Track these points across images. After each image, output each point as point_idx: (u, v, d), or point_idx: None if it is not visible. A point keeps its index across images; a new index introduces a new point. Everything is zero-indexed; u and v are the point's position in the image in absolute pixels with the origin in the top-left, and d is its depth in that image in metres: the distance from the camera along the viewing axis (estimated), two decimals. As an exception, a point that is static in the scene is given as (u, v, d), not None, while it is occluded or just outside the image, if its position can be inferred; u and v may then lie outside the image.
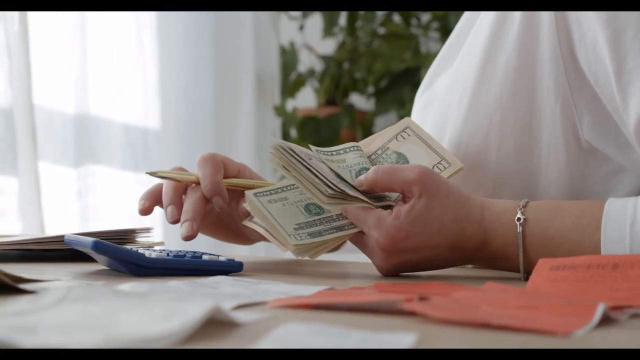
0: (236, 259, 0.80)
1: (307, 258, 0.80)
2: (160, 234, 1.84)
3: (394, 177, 0.79)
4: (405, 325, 0.50)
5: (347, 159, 0.85)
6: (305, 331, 0.45)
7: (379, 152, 0.88)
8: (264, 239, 0.94)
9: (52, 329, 0.41)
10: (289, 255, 0.84)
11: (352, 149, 0.87)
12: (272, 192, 0.83)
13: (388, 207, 0.81)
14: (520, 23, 0.87)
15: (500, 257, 0.81)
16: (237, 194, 0.90)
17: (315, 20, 2.50)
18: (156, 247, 0.91)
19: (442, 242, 0.79)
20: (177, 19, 2.07)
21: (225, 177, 0.88)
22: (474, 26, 0.94)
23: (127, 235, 0.94)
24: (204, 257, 0.80)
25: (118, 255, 0.77)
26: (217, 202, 0.87)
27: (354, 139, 2.42)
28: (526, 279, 0.79)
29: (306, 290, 0.65)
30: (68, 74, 1.71)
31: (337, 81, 2.41)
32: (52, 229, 1.58)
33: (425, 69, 2.25)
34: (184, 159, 2.08)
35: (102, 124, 1.81)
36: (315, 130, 2.29)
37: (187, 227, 0.84)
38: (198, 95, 2.13)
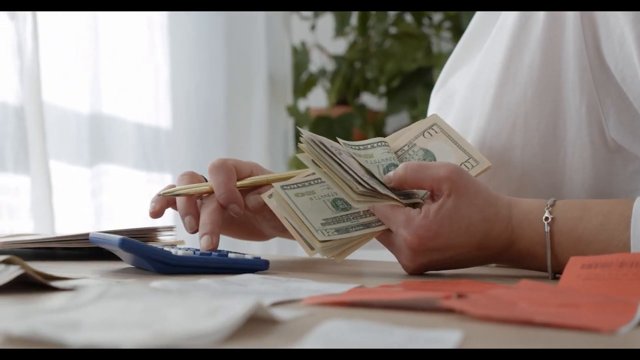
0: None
1: (331, 258, 0.80)
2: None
3: (423, 174, 0.78)
4: (446, 322, 0.50)
5: (375, 154, 0.85)
6: (348, 328, 0.44)
7: (406, 148, 0.87)
8: (281, 233, 0.94)
9: (96, 326, 0.41)
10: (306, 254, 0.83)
11: (379, 144, 0.86)
12: (299, 185, 0.82)
13: (415, 204, 0.80)
14: (544, 21, 0.86)
15: (527, 256, 0.80)
16: (250, 192, 0.89)
17: (327, 20, 2.49)
18: (179, 246, 0.91)
19: (470, 242, 0.79)
20: (189, 19, 2.07)
21: (238, 180, 0.88)
22: (496, 25, 0.94)
23: (149, 234, 0.94)
24: (230, 255, 0.79)
25: (145, 253, 0.76)
26: (234, 209, 0.86)
27: (365, 139, 2.41)
28: (553, 277, 0.79)
29: (336, 288, 0.65)
30: (81, 73, 1.71)
31: (348, 81, 2.40)
32: (63, 229, 1.58)
33: (438, 69, 2.25)
34: (195, 158, 2.07)
35: (115, 124, 1.81)
36: (328, 130, 2.29)
37: (207, 241, 0.84)
38: (210, 95, 2.13)
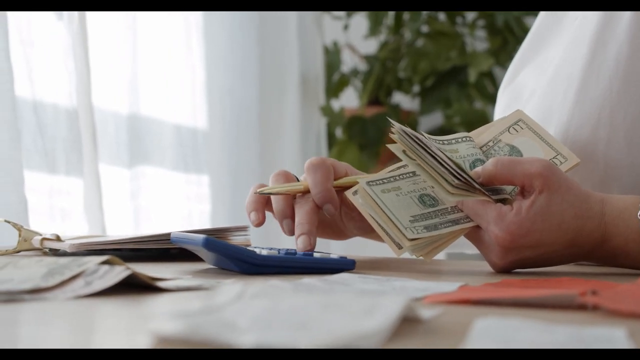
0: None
1: (420, 257, 0.78)
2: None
3: (514, 170, 0.76)
4: (589, 319, 0.48)
5: (460, 150, 0.83)
6: (506, 327, 0.42)
7: (491, 144, 0.85)
8: (364, 234, 0.92)
9: (255, 326, 0.39)
10: (392, 254, 0.81)
11: (464, 139, 0.84)
12: (384, 181, 0.80)
13: (503, 200, 0.78)
14: (632, 13, 0.84)
15: (620, 254, 0.78)
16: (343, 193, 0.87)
17: (358, 19, 2.48)
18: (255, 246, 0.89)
19: (562, 239, 0.77)
20: (222, 19, 2.05)
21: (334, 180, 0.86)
22: (578, 18, 0.92)
23: (221, 234, 0.92)
24: (315, 254, 0.78)
25: (229, 253, 0.75)
26: (329, 210, 0.84)
27: (398, 139, 2.39)
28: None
29: (443, 286, 0.63)
30: (122, 75, 1.70)
31: (380, 80, 2.38)
32: (111, 231, 1.56)
33: (472, 68, 2.23)
34: (230, 159, 2.06)
35: (154, 125, 1.79)
36: (362, 130, 2.27)
37: (304, 241, 0.82)
38: (244, 96, 2.11)
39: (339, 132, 2.37)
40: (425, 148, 0.76)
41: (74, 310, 0.51)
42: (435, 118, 2.42)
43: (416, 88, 2.41)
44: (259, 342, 0.36)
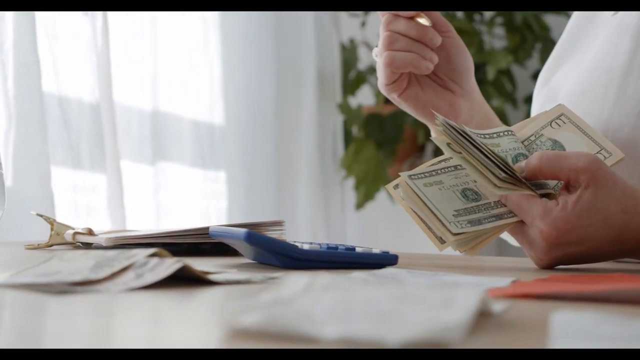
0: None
1: (463, 252, 0.77)
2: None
3: (560, 164, 0.75)
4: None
5: (502, 144, 0.82)
6: (585, 321, 0.41)
7: (532, 138, 0.84)
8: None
9: (334, 318, 0.38)
10: (433, 250, 0.80)
11: (506, 133, 0.83)
12: (426, 174, 0.79)
13: (546, 195, 0.77)
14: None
15: (668, 250, 0.77)
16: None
17: (375, 16, 2.46)
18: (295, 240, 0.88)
19: (607, 235, 0.76)
20: (239, 17, 2.04)
21: None
22: (617, 17, 0.91)
23: (256, 228, 0.91)
24: (357, 249, 0.77)
25: (271, 247, 0.74)
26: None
27: (415, 136, 2.39)
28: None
29: (496, 281, 0.62)
30: (143, 71, 1.69)
31: (397, 78, 2.37)
32: (133, 227, 1.56)
33: (490, 65, 2.21)
34: (246, 156, 2.05)
35: (174, 121, 1.79)
36: (380, 128, 2.26)
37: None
38: (260, 93, 2.10)
39: (354, 130, 2.36)
40: (471, 141, 0.75)
41: (132, 303, 0.50)
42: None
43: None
44: (343, 335, 0.35)
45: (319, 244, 0.78)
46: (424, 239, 1.21)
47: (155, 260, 0.59)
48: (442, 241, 0.77)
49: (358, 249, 0.77)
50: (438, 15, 0.90)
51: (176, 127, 1.79)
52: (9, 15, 1.24)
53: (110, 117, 1.46)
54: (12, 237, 1.21)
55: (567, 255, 0.77)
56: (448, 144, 0.77)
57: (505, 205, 0.77)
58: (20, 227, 1.22)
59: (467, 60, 0.94)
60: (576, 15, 1.06)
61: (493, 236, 0.77)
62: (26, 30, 1.25)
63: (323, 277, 0.45)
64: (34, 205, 1.22)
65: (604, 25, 0.97)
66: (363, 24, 2.40)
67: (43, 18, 1.33)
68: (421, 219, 0.78)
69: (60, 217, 1.31)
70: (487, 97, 2.23)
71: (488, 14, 2.37)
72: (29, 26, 1.25)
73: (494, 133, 0.83)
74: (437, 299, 0.41)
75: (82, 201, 1.37)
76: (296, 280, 0.45)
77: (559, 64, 1.04)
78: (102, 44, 1.46)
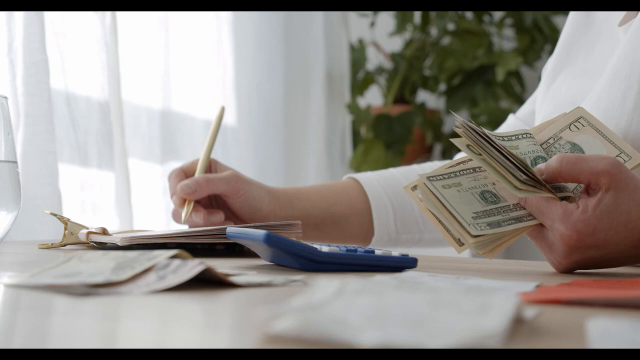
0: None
1: (482, 255, 0.76)
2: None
3: (580, 167, 0.75)
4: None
5: (520, 146, 0.81)
6: (622, 328, 0.41)
7: (551, 141, 0.83)
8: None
9: (368, 324, 0.38)
10: (451, 252, 0.80)
11: (524, 135, 0.82)
12: (445, 176, 0.78)
13: (566, 198, 0.76)
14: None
15: (689, 254, 0.76)
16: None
17: (384, 17, 2.46)
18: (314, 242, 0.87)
19: (628, 239, 0.75)
20: (250, 17, 2.04)
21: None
22: (632, 25, 0.90)
23: (273, 230, 0.91)
24: (377, 252, 0.76)
25: (290, 249, 0.73)
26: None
27: (423, 137, 2.38)
28: None
29: (520, 286, 0.61)
30: (153, 70, 1.68)
31: (405, 79, 2.36)
32: (140, 226, 1.55)
33: (500, 67, 2.20)
34: (256, 156, 2.04)
35: (185, 121, 1.78)
36: (388, 129, 2.25)
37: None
38: (270, 93, 2.10)
39: (363, 130, 2.35)
40: (491, 142, 0.75)
41: (157, 305, 0.49)
42: (461, 116, 2.40)
43: (442, 86, 2.39)
44: (382, 342, 0.35)
45: (338, 246, 0.77)
46: (434, 241, 1.20)
47: (177, 262, 0.58)
48: (460, 243, 0.76)
49: (378, 252, 0.76)
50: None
51: (188, 126, 1.79)
52: (19, 14, 1.24)
53: (118, 115, 1.45)
54: (19, 236, 1.20)
55: (586, 259, 0.76)
56: (468, 146, 0.76)
57: (525, 208, 0.77)
58: (28, 225, 1.22)
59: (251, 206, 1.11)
60: (569, 23, 1.06)
61: (512, 239, 0.76)
62: (35, 29, 1.24)
63: (354, 281, 0.44)
64: (43, 203, 1.21)
65: (598, 32, 0.99)
66: (372, 24, 2.40)
67: (52, 16, 1.33)
68: (439, 221, 0.77)
69: (68, 215, 1.31)
70: (496, 98, 2.22)
71: (498, 15, 2.36)
72: (38, 24, 1.24)
73: (513, 135, 0.82)
74: (473, 304, 0.40)
75: (90, 199, 1.36)
76: (327, 285, 0.44)
77: (560, 69, 1.05)
78: (111, 42, 1.46)
